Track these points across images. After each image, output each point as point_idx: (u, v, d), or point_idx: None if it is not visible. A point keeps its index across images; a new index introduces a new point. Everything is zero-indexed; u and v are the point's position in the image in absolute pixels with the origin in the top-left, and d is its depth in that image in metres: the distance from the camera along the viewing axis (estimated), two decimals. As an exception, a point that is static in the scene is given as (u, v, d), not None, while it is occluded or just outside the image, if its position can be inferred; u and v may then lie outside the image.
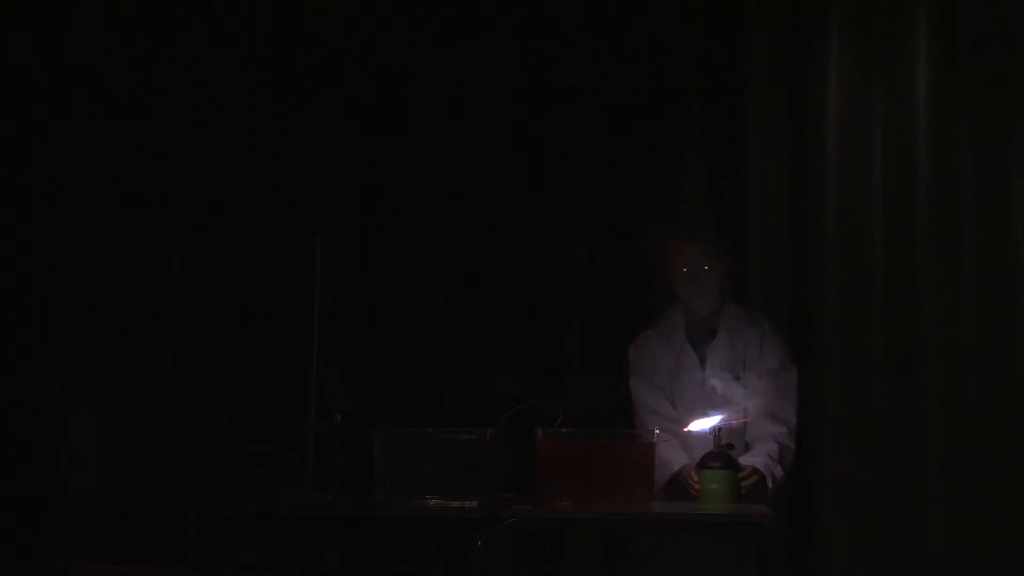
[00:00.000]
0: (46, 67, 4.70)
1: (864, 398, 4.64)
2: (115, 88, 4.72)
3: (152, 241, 4.70)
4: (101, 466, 4.60)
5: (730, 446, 4.10)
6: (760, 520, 4.06)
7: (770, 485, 4.14)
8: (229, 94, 4.77)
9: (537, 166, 4.82)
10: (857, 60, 4.73)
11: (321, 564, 4.55)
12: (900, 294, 4.67)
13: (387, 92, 4.84)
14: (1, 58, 4.62)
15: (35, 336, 4.64)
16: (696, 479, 4.08)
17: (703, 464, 4.11)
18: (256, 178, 4.75)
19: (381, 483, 4.13)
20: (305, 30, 4.81)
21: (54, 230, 4.67)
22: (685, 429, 4.15)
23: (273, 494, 4.28)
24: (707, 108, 4.80)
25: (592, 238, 4.79)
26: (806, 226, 4.73)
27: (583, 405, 4.66)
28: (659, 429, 4.12)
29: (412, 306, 4.78)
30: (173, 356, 4.67)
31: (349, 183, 4.80)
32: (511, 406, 4.24)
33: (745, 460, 4.15)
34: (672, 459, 4.23)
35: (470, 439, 4.13)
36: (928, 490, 4.57)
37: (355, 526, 4.52)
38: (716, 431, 4.10)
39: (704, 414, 4.14)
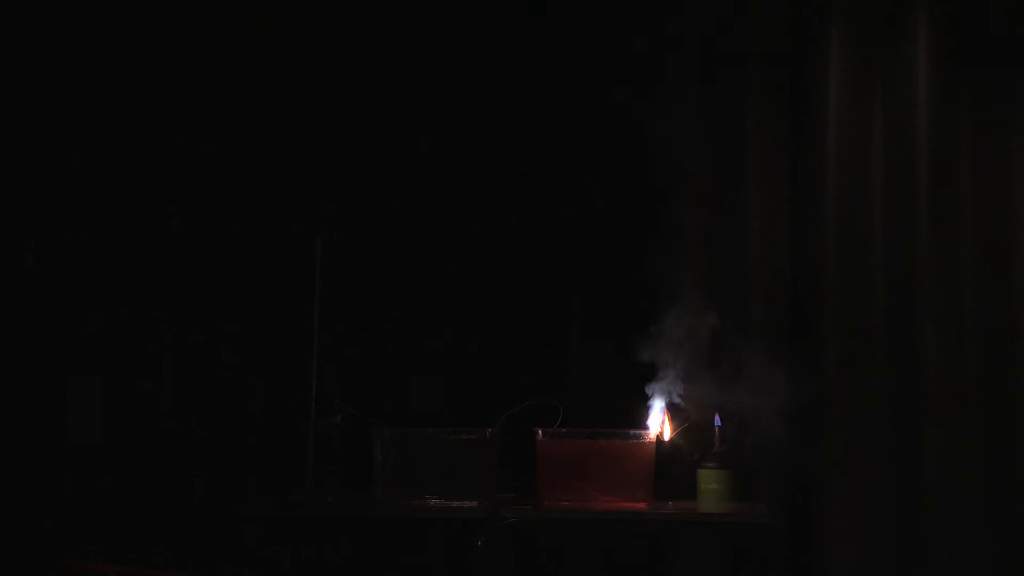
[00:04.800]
0: (41, 68, 4.70)
1: (864, 398, 4.64)
2: (115, 84, 4.72)
3: (151, 241, 4.70)
4: (101, 465, 4.60)
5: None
6: (760, 520, 4.07)
7: None
8: (228, 92, 4.76)
9: (538, 164, 4.81)
10: (857, 61, 4.73)
11: (321, 564, 4.55)
12: (900, 295, 4.67)
13: (386, 89, 4.83)
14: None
15: (35, 335, 4.63)
16: None
17: (702, 464, 4.12)
18: (256, 176, 4.75)
19: (381, 483, 4.14)
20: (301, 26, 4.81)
21: (53, 227, 4.67)
22: (651, 435, 4.16)
23: (275, 494, 4.28)
24: (707, 108, 4.79)
25: (593, 238, 4.79)
26: (806, 227, 4.72)
27: (583, 405, 4.66)
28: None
29: (412, 305, 4.77)
30: (173, 355, 4.66)
31: (349, 181, 4.79)
32: (511, 406, 4.25)
33: None
34: None
35: (470, 439, 4.14)
36: (928, 489, 4.57)
37: (355, 526, 4.53)
38: (717, 431, 4.12)
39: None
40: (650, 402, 4.29)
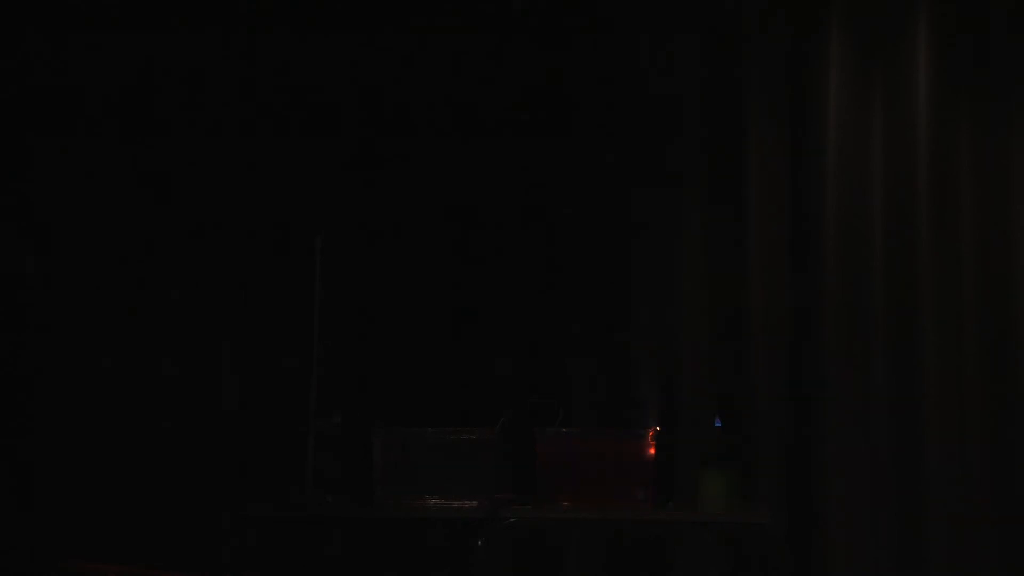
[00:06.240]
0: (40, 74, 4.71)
1: (864, 400, 4.64)
2: (116, 84, 4.72)
3: (151, 241, 4.70)
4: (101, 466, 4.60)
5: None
6: (760, 520, 4.07)
7: None
8: (228, 92, 4.77)
9: (538, 164, 4.81)
10: (857, 60, 4.73)
11: (321, 564, 4.55)
12: (900, 295, 4.67)
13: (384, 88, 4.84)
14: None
15: (35, 336, 4.63)
16: None
17: (703, 464, 4.12)
18: (256, 176, 4.75)
19: (381, 483, 4.14)
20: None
21: (53, 226, 4.67)
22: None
23: (275, 495, 4.28)
24: (708, 110, 4.79)
25: (593, 237, 4.79)
26: (807, 229, 4.72)
27: (583, 405, 4.67)
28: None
29: (412, 305, 4.77)
30: (173, 355, 4.67)
31: (349, 179, 4.79)
32: (511, 405, 4.25)
33: None
34: None
35: (470, 439, 4.14)
36: (928, 490, 4.57)
37: (355, 526, 4.53)
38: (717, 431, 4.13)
39: None
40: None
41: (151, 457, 4.60)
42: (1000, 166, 4.66)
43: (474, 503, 4.07)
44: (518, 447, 4.22)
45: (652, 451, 4.09)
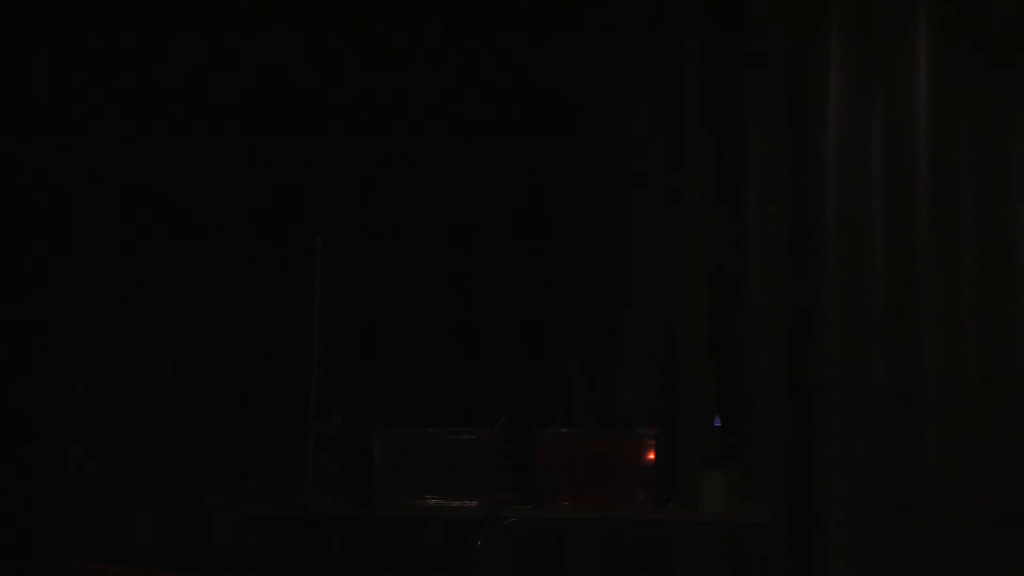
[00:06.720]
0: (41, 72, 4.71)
1: (864, 400, 4.64)
2: (118, 84, 4.72)
3: (150, 240, 4.70)
4: (102, 465, 4.60)
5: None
6: (760, 520, 4.07)
7: None
8: (227, 92, 4.77)
9: (538, 164, 4.81)
10: (857, 60, 4.73)
11: (321, 564, 4.55)
12: (900, 295, 4.67)
13: (383, 90, 4.83)
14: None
15: (34, 336, 4.63)
16: None
17: (703, 464, 4.12)
18: (256, 175, 4.75)
19: (381, 483, 4.14)
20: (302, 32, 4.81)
21: (52, 227, 4.67)
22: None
23: (275, 495, 4.28)
24: (708, 109, 4.79)
25: (593, 237, 4.78)
26: (807, 229, 4.72)
27: (583, 405, 4.67)
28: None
29: (412, 305, 4.77)
30: (173, 355, 4.67)
31: (349, 179, 4.79)
32: (511, 405, 4.25)
33: None
34: None
35: (470, 439, 4.14)
36: (928, 490, 4.57)
37: (355, 526, 4.53)
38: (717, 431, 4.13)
39: None
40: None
41: (151, 457, 4.60)
42: (1000, 166, 4.66)
43: (474, 503, 4.07)
44: (518, 447, 4.22)
45: (652, 451, 4.09)
